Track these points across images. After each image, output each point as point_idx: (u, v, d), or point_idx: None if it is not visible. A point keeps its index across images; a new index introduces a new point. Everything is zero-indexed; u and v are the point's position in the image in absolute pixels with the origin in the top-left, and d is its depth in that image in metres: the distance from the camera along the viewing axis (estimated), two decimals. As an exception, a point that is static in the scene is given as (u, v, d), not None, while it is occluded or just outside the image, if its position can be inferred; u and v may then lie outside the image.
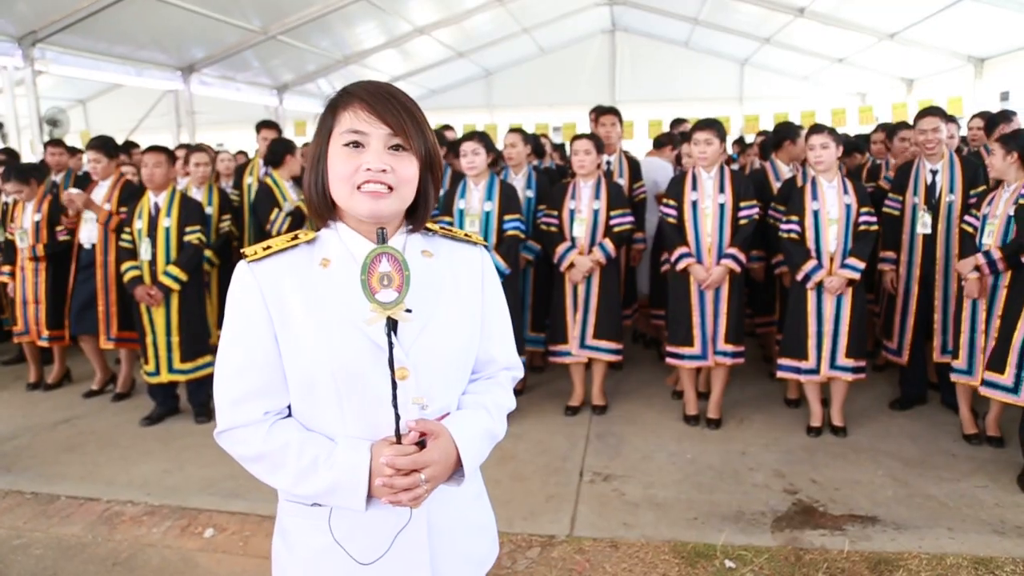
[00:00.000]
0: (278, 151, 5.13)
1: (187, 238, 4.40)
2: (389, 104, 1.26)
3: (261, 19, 8.53)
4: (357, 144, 1.25)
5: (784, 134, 5.02)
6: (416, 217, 1.36)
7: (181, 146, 5.74)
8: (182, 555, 3.21)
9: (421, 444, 1.26)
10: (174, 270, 4.33)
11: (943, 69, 10.09)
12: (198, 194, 5.07)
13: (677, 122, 6.89)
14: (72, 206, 4.74)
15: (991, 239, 3.84)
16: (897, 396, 4.67)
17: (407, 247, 1.35)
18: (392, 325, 1.23)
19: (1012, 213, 3.78)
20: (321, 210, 1.33)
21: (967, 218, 4.01)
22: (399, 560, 1.32)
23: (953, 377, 4.06)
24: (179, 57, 9.01)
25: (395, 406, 1.21)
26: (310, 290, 1.28)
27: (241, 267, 1.30)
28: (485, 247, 1.49)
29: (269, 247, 1.31)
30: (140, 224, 4.38)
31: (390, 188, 1.25)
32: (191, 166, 5.10)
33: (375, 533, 1.31)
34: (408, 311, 1.21)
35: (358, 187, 1.24)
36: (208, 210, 4.96)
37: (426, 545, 1.34)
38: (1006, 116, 5.16)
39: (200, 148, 5.20)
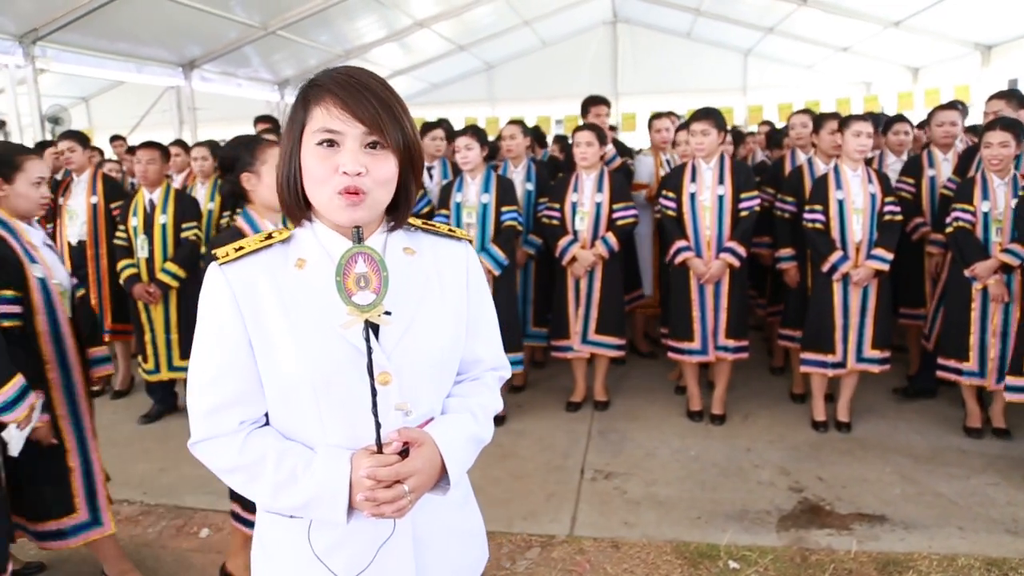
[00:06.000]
0: None
1: (184, 235, 4.36)
2: (363, 98, 1.17)
3: (261, 14, 8.47)
4: (331, 143, 1.18)
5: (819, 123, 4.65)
6: (397, 214, 1.29)
7: (176, 142, 5.67)
8: (177, 555, 3.17)
9: (404, 452, 1.20)
10: (172, 267, 4.29)
11: (949, 57, 9.97)
12: (202, 189, 5.02)
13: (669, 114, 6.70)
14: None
15: (999, 237, 3.75)
16: (904, 385, 4.60)
17: (388, 245, 1.28)
18: (373, 329, 1.17)
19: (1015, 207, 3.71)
20: (295, 209, 1.26)
21: (960, 214, 3.85)
22: (384, 573, 1.27)
23: (965, 380, 3.94)
24: (180, 53, 8.96)
25: (375, 414, 1.15)
26: (285, 293, 1.22)
27: (212, 269, 1.24)
28: (469, 241, 1.42)
29: (241, 247, 1.25)
30: (135, 221, 4.34)
31: (365, 193, 1.17)
32: (193, 160, 5.04)
33: (357, 546, 1.25)
34: (387, 314, 1.15)
35: (336, 193, 1.17)
36: (209, 205, 4.92)
37: (411, 556, 1.28)
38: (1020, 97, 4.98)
39: (201, 143, 5.14)
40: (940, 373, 4.04)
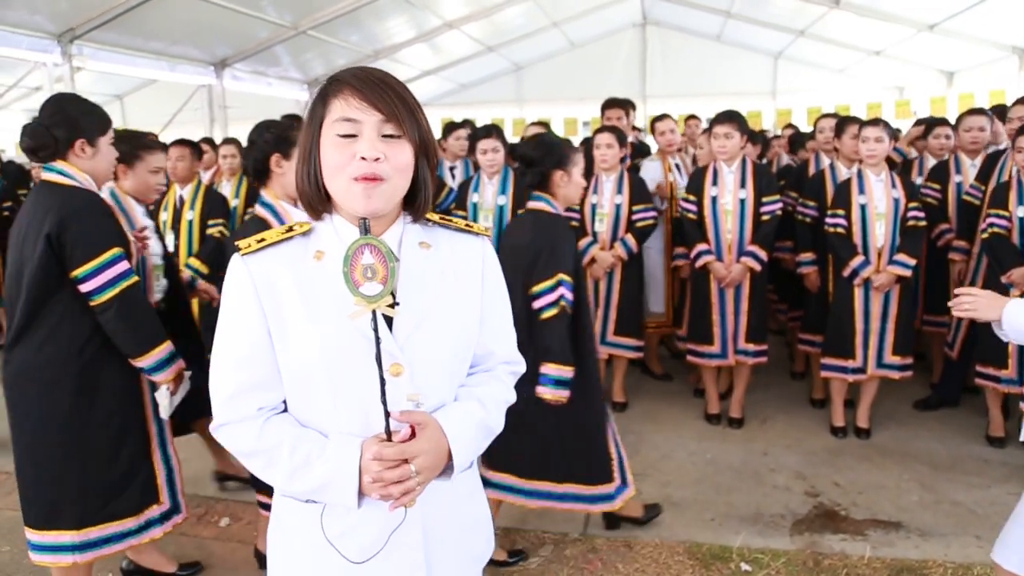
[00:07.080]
0: None
1: (209, 231, 4.42)
2: (380, 90, 1.22)
3: (292, 14, 8.58)
4: (350, 134, 1.22)
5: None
6: (415, 206, 1.33)
7: (204, 140, 5.77)
8: (197, 543, 3.24)
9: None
10: (195, 262, 4.35)
11: (985, 61, 9.77)
12: (228, 186, 5.11)
13: (691, 118, 6.64)
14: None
15: None
16: (925, 396, 4.53)
17: (404, 238, 1.32)
18: (387, 320, 1.21)
19: None
20: (315, 202, 1.30)
21: (995, 219, 3.80)
22: (394, 559, 1.30)
23: (1004, 388, 3.87)
24: (212, 53, 9.11)
25: (384, 403, 1.19)
26: (304, 284, 1.26)
27: (235, 260, 1.28)
28: (487, 237, 1.44)
29: (263, 239, 1.29)
30: (165, 216, 4.43)
31: (383, 179, 1.21)
32: (220, 157, 5.14)
33: (369, 532, 1.29)
34: (394, 305, 1.18)
35: (354, 179, 1.21)
36: (234, 202, 5.00)
37: (421, 544, 1.32)
38: None
39: (229, 140, 5.24)
40: (978, 380, 3.98)
